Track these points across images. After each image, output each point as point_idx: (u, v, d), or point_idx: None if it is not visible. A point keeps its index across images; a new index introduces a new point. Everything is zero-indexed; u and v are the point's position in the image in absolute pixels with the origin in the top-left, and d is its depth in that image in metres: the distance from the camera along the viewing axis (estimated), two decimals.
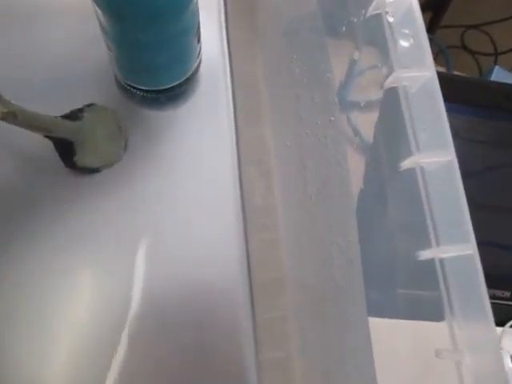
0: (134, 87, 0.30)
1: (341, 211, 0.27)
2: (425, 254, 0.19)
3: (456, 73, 0.67)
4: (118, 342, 0.27)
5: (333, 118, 0.28)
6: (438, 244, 0.18)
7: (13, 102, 0.24)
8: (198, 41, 0.30)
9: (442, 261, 0.18)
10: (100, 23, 0.25)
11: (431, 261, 0.18)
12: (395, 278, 0.22)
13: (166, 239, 0.30)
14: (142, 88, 0.30)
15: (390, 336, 0.23)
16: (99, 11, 0.23)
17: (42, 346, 0.27)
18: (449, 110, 0.19)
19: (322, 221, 0.30)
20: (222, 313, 0.30)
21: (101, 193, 0.30)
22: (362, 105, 0.26)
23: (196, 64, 0.31)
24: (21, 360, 0.27)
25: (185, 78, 0.31)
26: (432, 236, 0.18)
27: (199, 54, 0.31)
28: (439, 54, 0.77)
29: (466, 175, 0.19)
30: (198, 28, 0.28)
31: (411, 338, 0.22)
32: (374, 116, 0.23)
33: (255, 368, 0.30)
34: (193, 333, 0.29)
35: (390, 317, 0.22)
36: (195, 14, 0.27)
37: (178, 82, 0.30)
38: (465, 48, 0.93)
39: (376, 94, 0.22)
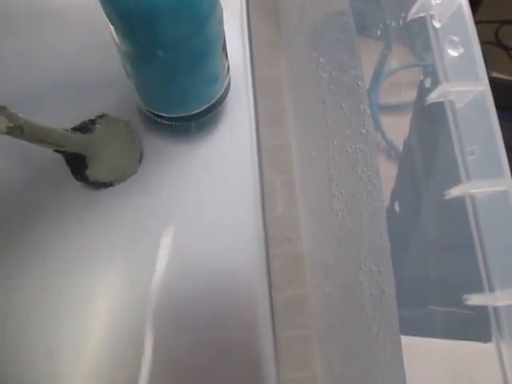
0: (158, 115, 0.28)
1: (371, 233, 0.25)
2: (474, 299, 0.16)
3: (492, 73, 0.64)
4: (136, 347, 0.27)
5: (364, 131, 0.25)
6: (491, 290, 0.15)
7: (20, 114, 0.23)
8: (226, 56, 0.27)
9: (496, 309, 0.15)
10: (119, 50, 0.23)
11: (483, 308, 0.16)
12: (433, 305, 0.20)
13: (184, 254, 0.29)
14: (167, 116, 0.27)
15: (426, 357, 0.20)
16: (117, 35, 0.21)
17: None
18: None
19: (349, 241, 0.28)
20: (242, 331, 0.29)
21: (114, 208, 0.28)
22: (399, 113, 0.24)
23: (224, 87, 0.29)
24: (52, 357, 0.26)
25: (214, 100, 0.28)
26: (484, 279, 0.16)
27: (227, 72, 0.28)
28: None
29: None
30: (224, 43, 0.26)
31: (450, 359, 0.19)
32: (411, 127, 0.21)
33: None
34: (210, 351, 0.28)
35: (426, 335, 0.20)
36: (220, 27, 0.24)
37: (207, 106, 0.28)
38: (499, 45, 0.89)
39: (415, 105, 0.20)
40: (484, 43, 0.79)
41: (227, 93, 0.30)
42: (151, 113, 0.28)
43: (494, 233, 0.16)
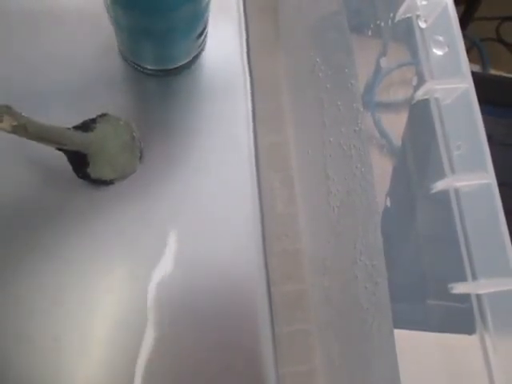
0: (139, 65, 0.30)
1: (365, 228, 0.25)
2: (459, 288, 0.17)
3: (491, 68, 0.64)
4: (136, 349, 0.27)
5: (357, 128, 0.26)
6: (474, 278, 0.16)
7: (23, 114, 0.23)
8: (203, 32, 0.29)
9: (479, 297, 0.16)
10: (110, 15, 0.25)
11: (466, 295, 0.16)
12: (423, 296, 0.20)
13: (182, 251, 0.29)
14: (147, 67, 0.30)
15: (417, 349, 0.21)
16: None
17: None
18: (484, 113, 0.17)
19: (345, 236, 0.28)
20: (240, 324, 0.30)
21: (115, 205, 0.29)
22: (390, 109, 0.24)
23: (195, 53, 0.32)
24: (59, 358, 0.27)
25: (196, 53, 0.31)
26: (467, 268, 0.16)
27: (203, 42, 0.31)
28: (473, 49, 0.73)
29: (503, 184, 0.17)
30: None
31: (440, 351, 0.20)
32: (402, 121, 0.22)
33: (276, 382, 0.29)
34: (209, 346, 0.28)
35: (418, 329, 0.21)
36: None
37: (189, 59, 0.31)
38: (501, 41, 0.89)
39: (406, 98, 0.20)
40: (485, 40, 0.79)
41: (205, 43, 0.33)
42: (134, 63, 0.30)
43: (477, 224, 0.16)
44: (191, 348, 0.28)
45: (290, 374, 0.32)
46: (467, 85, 0.17)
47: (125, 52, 0.30)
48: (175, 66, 0.31)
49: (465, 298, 0.16)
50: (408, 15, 0.18)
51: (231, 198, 0.31)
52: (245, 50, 0.35)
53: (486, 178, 0.17)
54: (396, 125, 0.22)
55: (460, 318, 0.17)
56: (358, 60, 0.26)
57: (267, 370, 0.29)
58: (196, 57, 0.32)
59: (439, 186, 0.17)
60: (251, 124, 0.34)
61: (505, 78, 0.52)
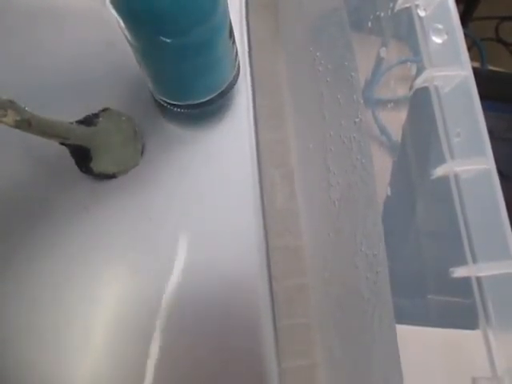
0: (168, 103, 0.29)
1: (366, 219, 0.25)
2: (459, 272, 0.17)
3: (491, 67, 0.64)
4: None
5: (357, 120, 0.26)
6: (474, 261, 0.16)
7: (27, 108, 0.24)
8: (233, 43, 0.28)
9: (479, 280, 0.16)
10: (126, 37, 0.24)
11: (467, 279, 0.16)
12: (425, 286, 0.21)
13: (183, 246, 0.30)
14: (178, 104, 0.28)
15: (420, 345, 0.21)
16: (127, 32, 0.23)
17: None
18: (485, 108, 0.18)
19: (346, 229, 0.28)
20: (242, 320, 0.30)
21: (118, 198, 0.29)
22: (390, 104, 0.24)
23: (234, 73, 0.29)
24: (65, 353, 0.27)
25: (220, 90, 0.29)
26: (467, 252, 0.16)
27: (236, 58, 0.29)
28: (472, 48, 0.74)
29: (503, 178, 0.17)
30: (231, 31, 0.26)
31: (442, 346, 0.20)
32: (402, 116, 0.22)
33: (277, 377, 0.29)
34: (210, 342, 0.29)
35: (420, 324, 0.21)
36: (224, 15, 0.25)
37: (213, 95, 0.29)
38: (499, 41, 0.89)
39: (405, 93, 0.21)
40: (484, 39, 0.80)
41: (237, 78, 0.31)
42: (165, 101, 0.28)
43: (477, 209, 0.17)
44: (192, 343, 0.28)
45: (290, 369, 0.32)
46: (466, 72, 0.17)
47: (154, 90, 0.28)
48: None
49: (466, 286, 0.16)
50: (407, 5, 0.19)
51: (233, 194, 0.32)
52: (246, 46, 0.35)
53: (486, 163, 0.17)
54: (396, 120, 0.22)
55: (462, 312, 0.17)
56: (358, 55, 0.26)
57: (269, 365, 0.29)
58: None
59: (439, 172, 0.18)
60: (252, 120, 0.34)
61: (506, 73, 0.52)
